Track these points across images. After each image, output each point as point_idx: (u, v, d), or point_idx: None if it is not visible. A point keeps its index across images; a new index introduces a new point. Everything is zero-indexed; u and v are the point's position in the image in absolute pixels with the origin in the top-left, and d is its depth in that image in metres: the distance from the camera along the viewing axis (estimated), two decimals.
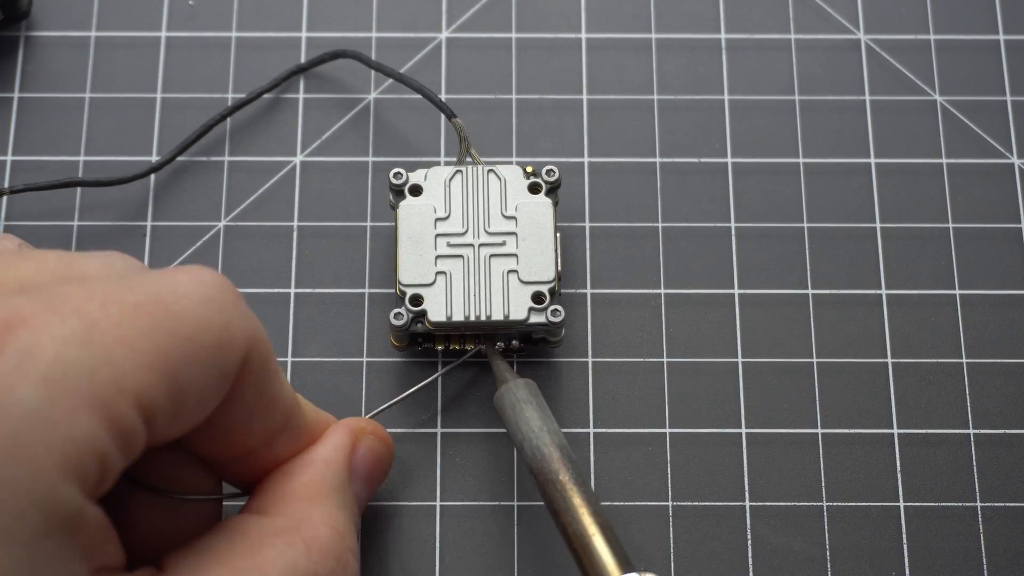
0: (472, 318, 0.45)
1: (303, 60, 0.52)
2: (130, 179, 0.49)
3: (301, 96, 0.51)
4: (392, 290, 0.48)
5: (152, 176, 0.50)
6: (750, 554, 0.45)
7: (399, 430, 0.46)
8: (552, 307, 0.45)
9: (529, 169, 0.47)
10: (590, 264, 0.49)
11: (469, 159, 0.48)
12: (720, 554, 0.45)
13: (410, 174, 0.47)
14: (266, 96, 0.51)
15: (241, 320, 0.35)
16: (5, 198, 0.49)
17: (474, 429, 0.46)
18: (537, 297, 0.45)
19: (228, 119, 0.51)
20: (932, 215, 0.50)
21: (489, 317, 0.45)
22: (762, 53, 0.52)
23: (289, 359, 0.48)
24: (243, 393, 0.36)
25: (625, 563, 0.39)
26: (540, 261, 0.45)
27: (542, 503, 0.45)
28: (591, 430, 0.47)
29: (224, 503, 0.41)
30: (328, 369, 0.47)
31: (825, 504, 0.46)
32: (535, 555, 0.45)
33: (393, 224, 0.48)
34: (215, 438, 0.37)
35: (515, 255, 0.45)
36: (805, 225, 0.50)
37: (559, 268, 0.46)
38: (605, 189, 0.50)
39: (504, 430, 0.45)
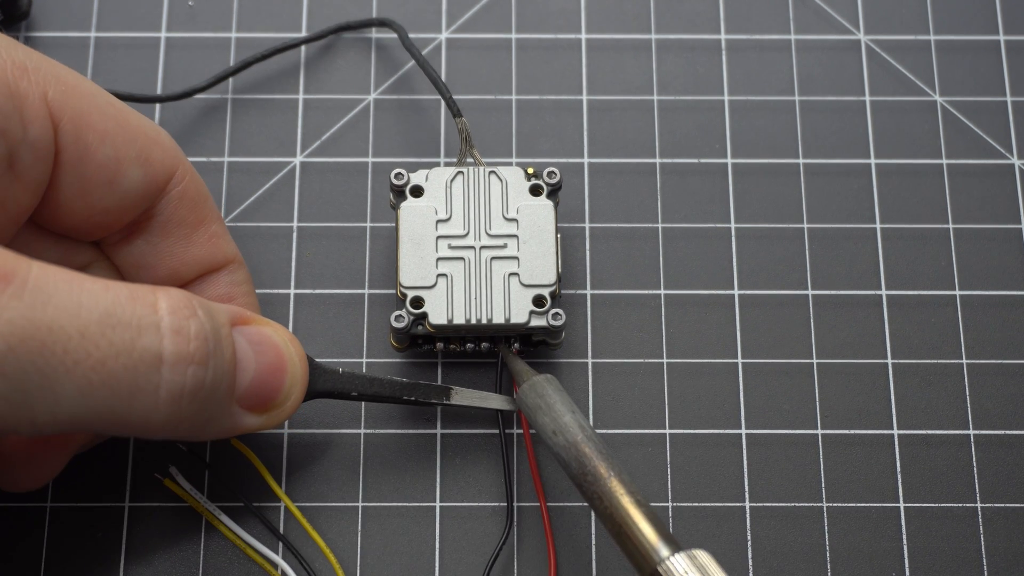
0: (473, 321, 0.45)
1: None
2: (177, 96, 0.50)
3: (301, 96, 0.51)
4: (392, 291, 0.48)
5: (198, 107, 0.50)
6: (750, 554, 0.45)
7: (398, 431, 0.46)
8: (553, 311, 0.45)
9: (530, 171, 0.47)
10: (590, 265, 0.49)
11: (471, 159, 0.48)
12: (720, 555, 0.45)
13: (411, 175, 0.47)
14: (266, 96, 0.51)
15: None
16: None
17: (474, 430, 0.46)
18: (538, 300, 0.45)
19: (228, 121, 0.51)
20: (932, 215, 0.50)
21: (490, 320, 0.45)
22: (762, 53, 0.52)
23: None
24: (64, 154, 0.40)
25: (672, 542, 0.39)
26: (541, 264, 0.45)
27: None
28: None
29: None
30: None
31: (825, 505, 0.46)
32: (534, 555, 0.45)
33: (393, 225, 0.48)
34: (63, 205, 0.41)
35: (516, 258, 0.45)
36: (805, 226, 0.50)
37: (560, 271, 0.46)
38: (605, 190, 0.50)
39: (515, 431, 0.46)
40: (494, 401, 0.45)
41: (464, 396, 0.45)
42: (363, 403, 0.47)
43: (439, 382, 0.47)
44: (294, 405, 0.42)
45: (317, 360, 0.44)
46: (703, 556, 0.38)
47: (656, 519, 0.39)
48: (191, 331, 0.37)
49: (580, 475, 0.41)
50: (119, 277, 0.44)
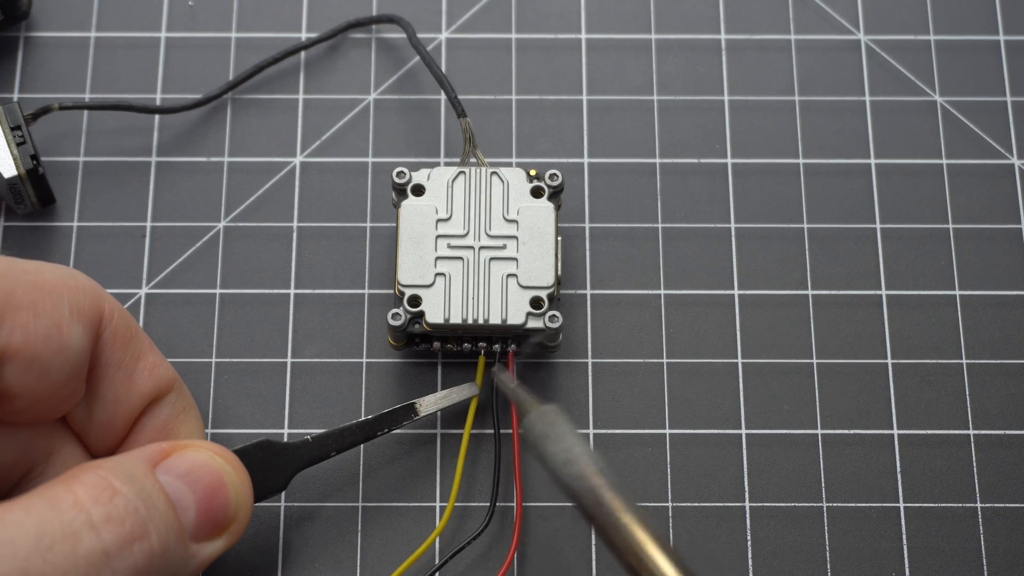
0: (470, 321, 0.45)
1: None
2: (177, 109, 0.50)
3: (301, 96, 0.51)
4: (392, 291, 0.48)
5: (198, 109, 0.51)
6: (750, 554, 0.45)
7: (398, 431, 0.46)
8: (550, 313, 0.45)
9: (532, 172, 0.47)
10: (590, 265, 0.49)
11: (474, 159, 0.48)
12: (720, 555, 0.45)
13: (413, 173, 0.47)
14: (266, 96, 0.51)
15: None
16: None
17: (474, 430, 0.46)
18: (535, 302, 0.45)
19: (228, 121, 0.51)
20: (932, 215, 0.50)
21: (487, 321, 0.45)
22: (762, 53, 0.52)
23: (289, 360, 0.48)
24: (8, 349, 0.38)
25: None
26: (540, 266, 0.45)
27: (542, 504, 0.45)
28: (591, 431, 0.47)
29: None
30: (328, 370, 0.47)
31: (825, 504, 0.46)
32: (534, 555, 0.45)
33: (394, 224, 0.48)
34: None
35: (515, 259, 0.45)
36: (805, 225, 0.50)
37: (559, 273, 0.46)
38: (605, 189, 0.50)
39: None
40: (457, 394, 0.45)
41: (429, 404, 0.45)
42: (362, 405, 0.47)
43: (438, 382, 0.47)
44: (247, 513, 0.41)
45: (281, 439, 0.43)
46: None
47: (675, 555, 0.38)
48: (120, 510, 0.36)
49: (594, 507, 0.39)
50: (83, 445, 0.42)
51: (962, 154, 0.51)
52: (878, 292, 0.49)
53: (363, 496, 0.46)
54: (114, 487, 0.37)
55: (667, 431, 0.47)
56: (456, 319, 0.45)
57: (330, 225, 0.50)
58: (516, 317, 0.45)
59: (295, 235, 0.49)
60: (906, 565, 0.45)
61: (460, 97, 0.49)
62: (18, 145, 0.47)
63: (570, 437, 0.40)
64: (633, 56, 0.52)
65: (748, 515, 0.46)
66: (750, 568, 0.45)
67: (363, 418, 0.44)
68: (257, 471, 0.42)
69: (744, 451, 0.47)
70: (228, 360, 0.48)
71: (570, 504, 0.39)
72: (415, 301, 0.45)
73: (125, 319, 0.41)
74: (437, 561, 0.45)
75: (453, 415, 0.47)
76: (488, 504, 0.45)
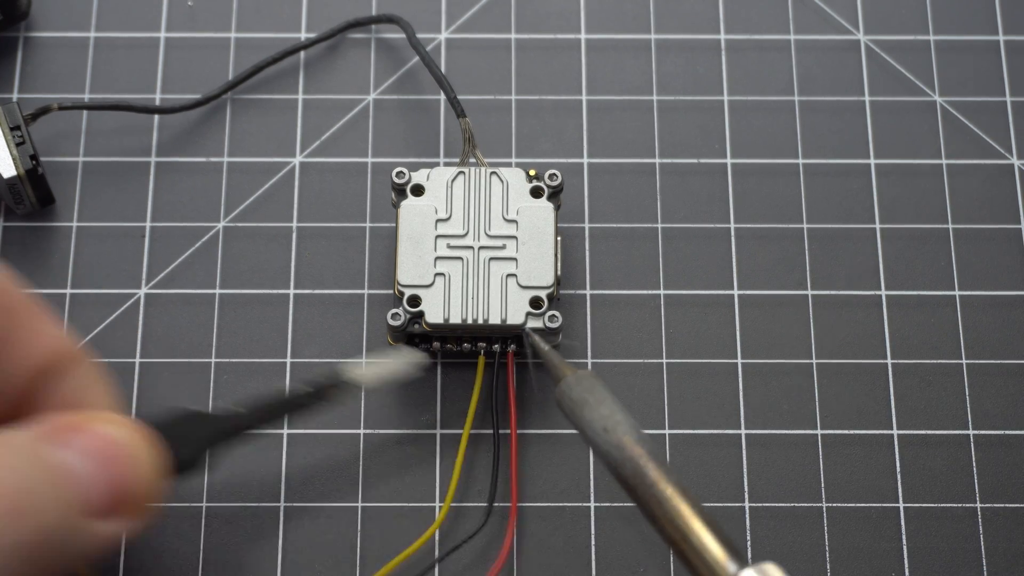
0: (469, 321, 0.45)
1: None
2: (177, 109, 0.50)
3: (300, 96, 0.51)
4: (391, 291, 0.48)
5: (198, 109, 0.51)
6: (750, 555, 0.45)
7: (399, 431, 0.46)
8: (550, 313, 0.45)
9: (532, 172, 0.47)
10: (590, 265, 0.49)
11: (473, 160, 0.48)
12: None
13: (413, 173, 0.47)
14: (266, 96, 0.51)
15: None
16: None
17: (473, 430, 0.46)
18: (535, 302, 0.45)
19: (228, 121, 0.51)
20: (932, 216, 0.50)
21: (487, 321, 0.45)
22: (762, 53, 0.52)
23: (288, 360, 0.48)
24: None
25: (737, 555, 0.36)
26: (539, 266, 0.45)
27: (540, 504, 0.45)
28: None
29: None
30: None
31: (825, 505, 0.46)
32: (535, 555, 0.45)
33: (393, 224, 0.48)
34: None
35: (514, 259, 0.45)
36: (805, 226, 0.50)
37: (559, 273, 0.46)
38: (605, 190, 0.50)
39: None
40: (396, 363, 0.45)
41: (365, 373, 0.44)
42: (361, 406, 0.47)
43: (438, 382, 0.47)
44: (155, 489, 0.38)
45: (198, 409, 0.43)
46: (774, 571, 0.35)
47: (719, 529, 0.36)
48: (6, 485, 0.34)
49: (634, 477, 0.37)
50: None
51: (962, 154, 0.51)
52: (878, 292, 0.49)
53: (363, 496, 0.46)
54: (1, 460, 0.35)
55: (667, 431, 0.47)
56: (456, 319, 0.45)
57: (330, 225, 0.50)
58: (516, 317, 0.45)
59: (295, 235, 0.49)
60: (906, 565, 0.45)
61: (460, 97, 0.49)
62: (17, 145, 0.47)
63: (609, 403, 0.39)
64: (633, 56, 0.52)
65: (748, 515, 0.46)
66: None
67: (290, 390, 0.43)
68: (172, 444, 0.39)
69: (744, 451, 0.47)
70: (228, 360, 0.48)
71: (611, 474, 0.38)
72: (415, 301, 0.45)
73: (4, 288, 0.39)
74: (437, 565, 0.45)
75: (454, 415, 0.47)
76: (486, 504, 0.45)
